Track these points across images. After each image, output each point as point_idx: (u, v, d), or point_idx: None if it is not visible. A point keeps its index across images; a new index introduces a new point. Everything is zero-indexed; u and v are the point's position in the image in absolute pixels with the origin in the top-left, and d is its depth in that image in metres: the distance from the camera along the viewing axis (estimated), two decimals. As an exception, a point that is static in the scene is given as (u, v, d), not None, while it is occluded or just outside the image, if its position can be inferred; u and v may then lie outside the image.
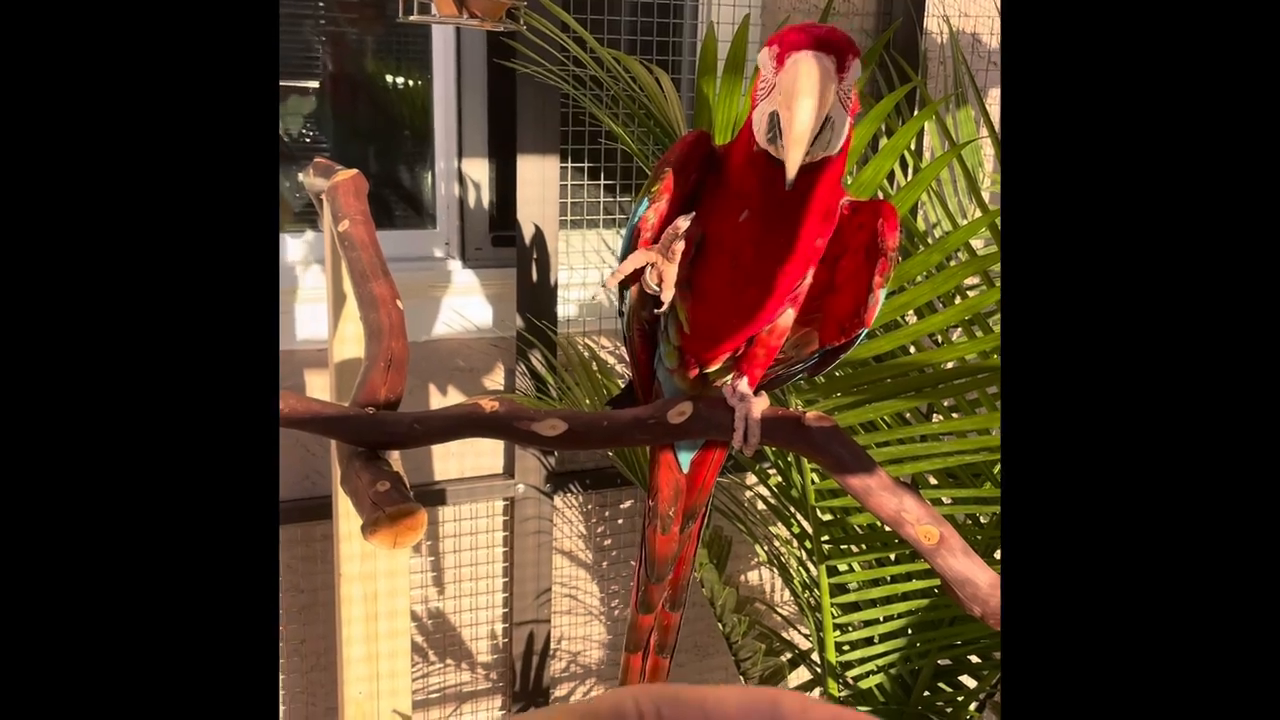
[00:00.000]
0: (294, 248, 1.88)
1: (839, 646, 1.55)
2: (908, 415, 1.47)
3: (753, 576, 2.29)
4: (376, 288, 1.09)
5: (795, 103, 0.65)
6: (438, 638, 2.04)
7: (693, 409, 0.89)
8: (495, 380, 1.95)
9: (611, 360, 2.01)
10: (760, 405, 0.84)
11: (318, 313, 1.79)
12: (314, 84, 2.04)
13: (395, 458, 1.04)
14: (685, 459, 0.96)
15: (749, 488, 2.05)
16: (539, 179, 1.83)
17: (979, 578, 0.89)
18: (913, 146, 1.91)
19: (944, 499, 1.48)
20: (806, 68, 0.65)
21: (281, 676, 1.92)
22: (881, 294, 0.79)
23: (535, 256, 1.86)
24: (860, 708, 1.59)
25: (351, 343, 1.49)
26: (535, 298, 1.87)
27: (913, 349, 1.43)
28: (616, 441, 1.13)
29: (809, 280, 0.82)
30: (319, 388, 1.80)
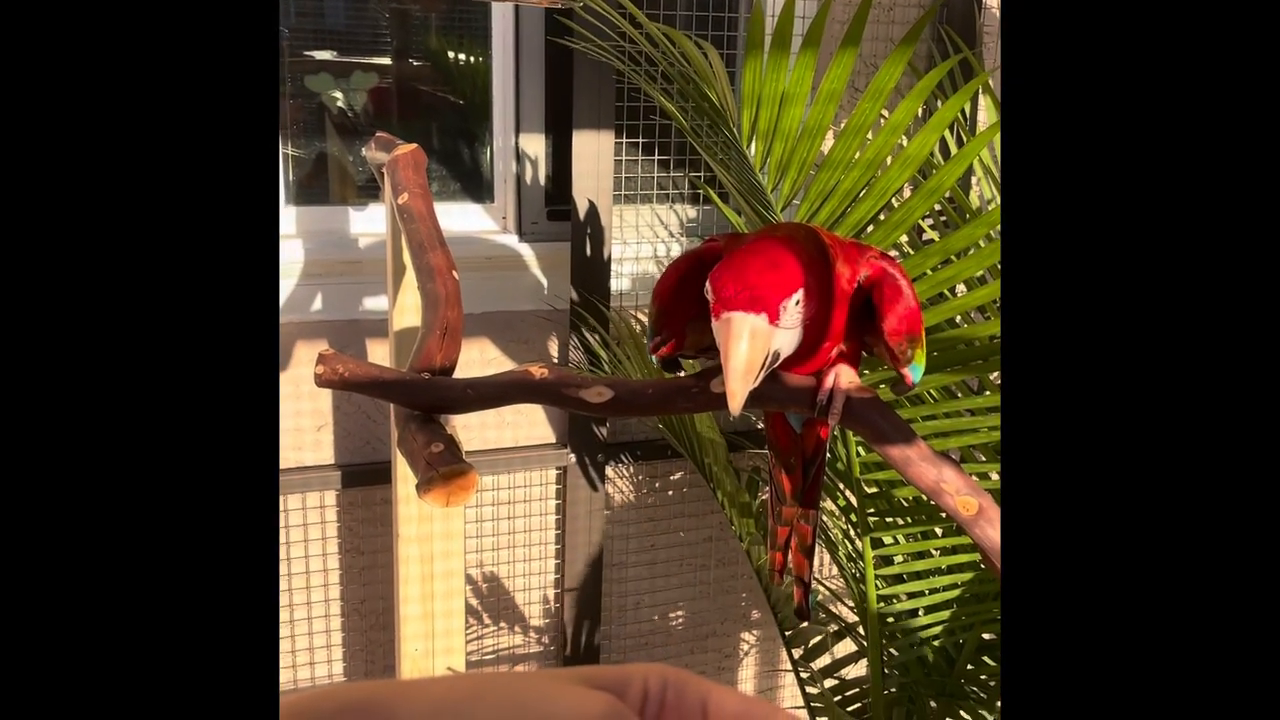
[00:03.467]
0: (357, 221, 1.94)
1: (883, 618, 1.57)
2: (954, 389, 1.47)
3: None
4: (433, 258, 1.14)
5: (727, 368, 0.73)
6: (492, 601, 2.10)
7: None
8: (549, 353, 1.99)
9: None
10: (848, 376, 0.86)
11: (379, 284, 1.84)
12: (387, 60, 2.10)
13: (453, 425, 1.09)
14: (796, 421, 0.99)
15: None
16: (594, 154, 1.86)
17: (1016, 548, 0.90)
18: (966, 123, 1.90)
19: (991, 474, 1.49)
20: (735, 336, 0.72)
21: (341, 635, 2.00)
22: (908, 370, 0.86)
23: (589, 231, 1.89)
24: (903, 679, 1.61)
25: (410, 312, 1.54)
26: (589, 272, 1.90)
27: (960, 321, 1.44)
28: (661, 409, 1.16)
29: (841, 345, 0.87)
30: (379, 356, 1.85)
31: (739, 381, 0.73)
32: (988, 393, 1.60)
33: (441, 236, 1.18)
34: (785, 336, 0.76)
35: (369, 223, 1.94)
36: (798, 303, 0.76)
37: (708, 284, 0.76)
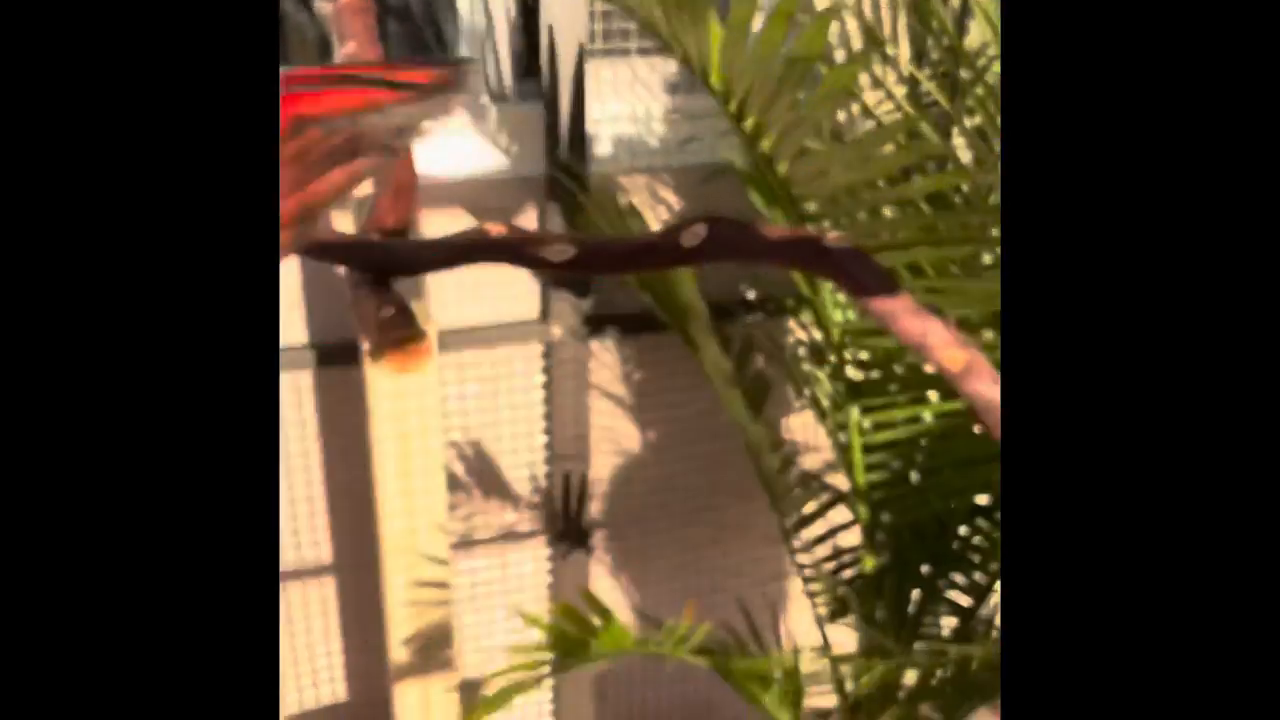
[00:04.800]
0: (317, 87, 1.83)
1: (872, 486, 1.54)
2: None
3: (794, 422, 2.27)
4: (381, 111, 1.05)
5: None
6: (478, 480, 2.07)
7: (708, 230, 0.85)
8: (527, 220, 1.91)
9: (645, 197, 1.95)
10: None
11: (343, 153, 1.75)
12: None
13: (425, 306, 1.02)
14: None
15: (790, 332, 2.01)
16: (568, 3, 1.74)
17: (1008, 404, 0.85)
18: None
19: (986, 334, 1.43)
20: None
21: (325, 519, 1.98)
22: None
23: (563, 89, 1.78)
24: (895, 544, 1.59)
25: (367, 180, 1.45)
26: (564, 133, 1.81)
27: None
28: (627, 266, 1.09)
29: None
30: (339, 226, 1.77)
31: None
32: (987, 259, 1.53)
33: (391, 88, 1.09)
34: None
35: (331, 88, 1.83)
36: None
37: None
